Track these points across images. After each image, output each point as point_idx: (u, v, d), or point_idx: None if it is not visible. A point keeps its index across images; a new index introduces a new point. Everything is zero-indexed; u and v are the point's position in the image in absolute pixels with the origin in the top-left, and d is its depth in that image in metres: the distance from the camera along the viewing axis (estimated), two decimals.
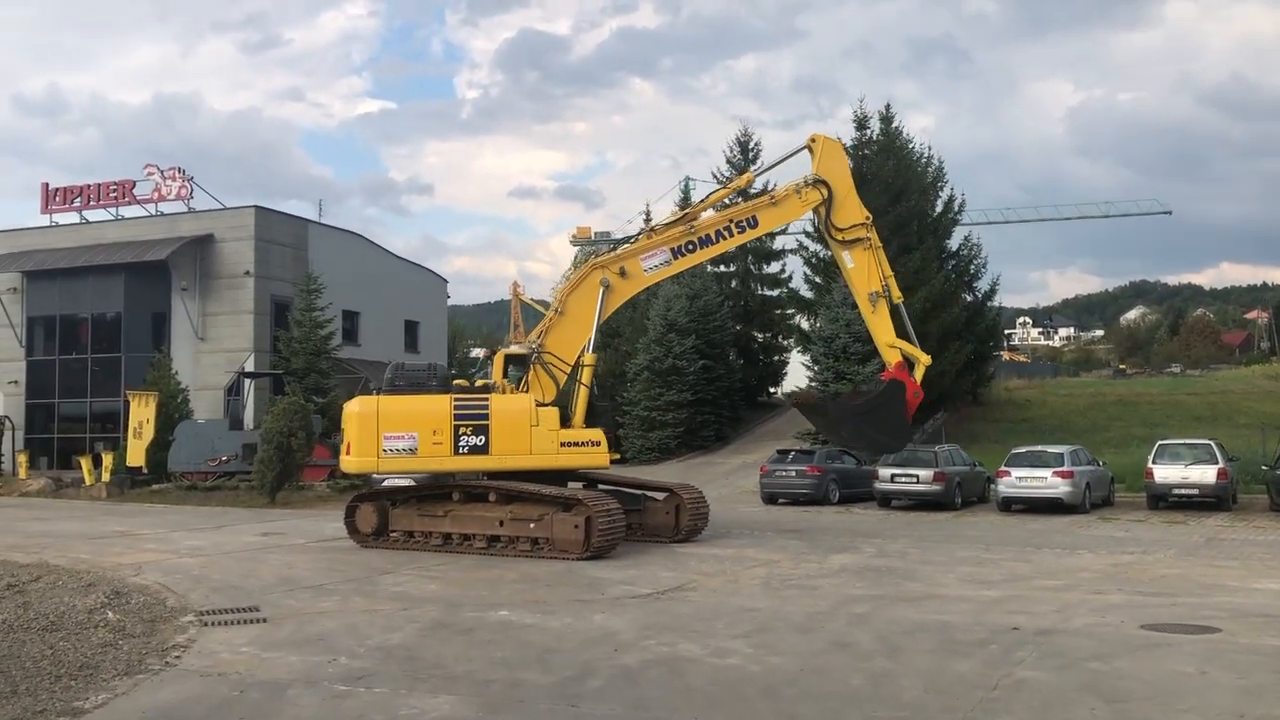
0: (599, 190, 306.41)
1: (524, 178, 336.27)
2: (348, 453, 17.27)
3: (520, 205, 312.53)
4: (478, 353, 70.71)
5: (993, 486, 25.72)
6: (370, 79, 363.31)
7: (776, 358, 49.91)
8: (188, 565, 15.96)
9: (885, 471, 25.25)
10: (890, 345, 18.75)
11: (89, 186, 38.66)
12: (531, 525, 16.69)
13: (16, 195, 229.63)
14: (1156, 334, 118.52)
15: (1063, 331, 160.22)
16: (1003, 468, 24.25)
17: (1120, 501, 25.97)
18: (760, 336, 49.85)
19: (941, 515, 23.69)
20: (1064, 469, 23.41)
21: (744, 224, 18.93)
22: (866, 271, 18.86)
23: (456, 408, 17.16)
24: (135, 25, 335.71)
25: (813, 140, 19.16)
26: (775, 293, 50.19)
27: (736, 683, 8.45)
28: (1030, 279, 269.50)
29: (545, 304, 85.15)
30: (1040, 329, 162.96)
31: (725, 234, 18.88)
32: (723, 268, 49.45)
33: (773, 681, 8.46)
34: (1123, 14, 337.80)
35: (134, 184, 37.97)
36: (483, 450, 17.14)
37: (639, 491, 19.03)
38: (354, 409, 17.22)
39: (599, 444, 18.18)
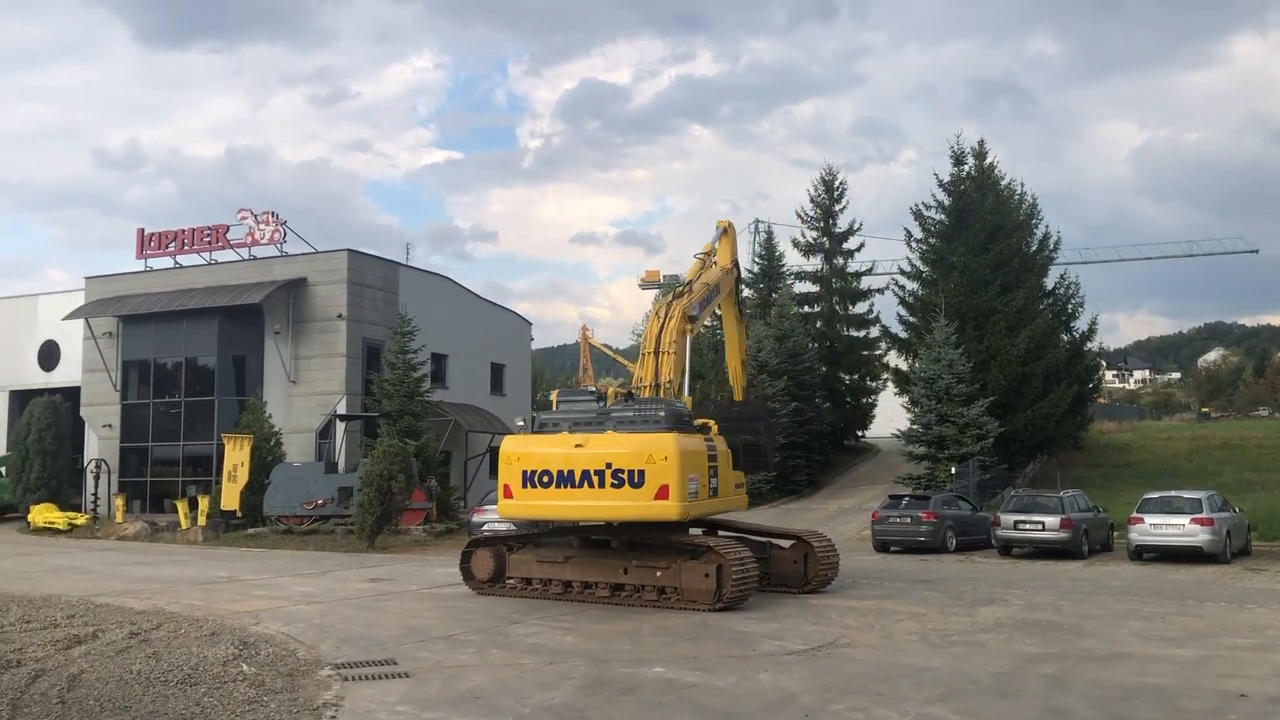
0: (659, 235, 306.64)
1: (585, 224, 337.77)
2: (663, 496, 15.13)
3: (581, 251, 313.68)
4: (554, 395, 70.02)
5: (1120, 534, 24.38)
6: (436, 130, 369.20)
7: (865, 399, 48.77)
8: (306, 613, 15.50)
9: (1007, 518, 24.06)
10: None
11: (183, 231, 38.93)
12: (658, 574, 15.92)
13: (95, 246, 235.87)
14: (1241, 376, 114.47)
15: (1137, 374, 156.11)
16: (1135, 514, 22.91)
17: (1257, 550, 24.45)
18: (848, 378, 48.77)
19: (1072, 564, 22.41)
20: (1203, 516, 22.05)
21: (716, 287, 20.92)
22: (744, 339, 23.27)
23: (708, 448, 16.34)
24: (210, 81, 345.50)
25: (728, 225, 21.87)
26: (862, 333, 49.20)
27: None
28: (1100, 321, 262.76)
29: (612, 348, 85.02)
30: (1115, 371, 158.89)
31: (715, 292, 20.43)
32: (807, 308, 48.65)
33: None
34: (1187, 54, 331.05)
35: (227, 229, 38.17)
36: (715, 493, 16.39)
37: (764, 539, 18.17)
38: (672, 447, 15.26)
39: (742, 485, 17.77)
